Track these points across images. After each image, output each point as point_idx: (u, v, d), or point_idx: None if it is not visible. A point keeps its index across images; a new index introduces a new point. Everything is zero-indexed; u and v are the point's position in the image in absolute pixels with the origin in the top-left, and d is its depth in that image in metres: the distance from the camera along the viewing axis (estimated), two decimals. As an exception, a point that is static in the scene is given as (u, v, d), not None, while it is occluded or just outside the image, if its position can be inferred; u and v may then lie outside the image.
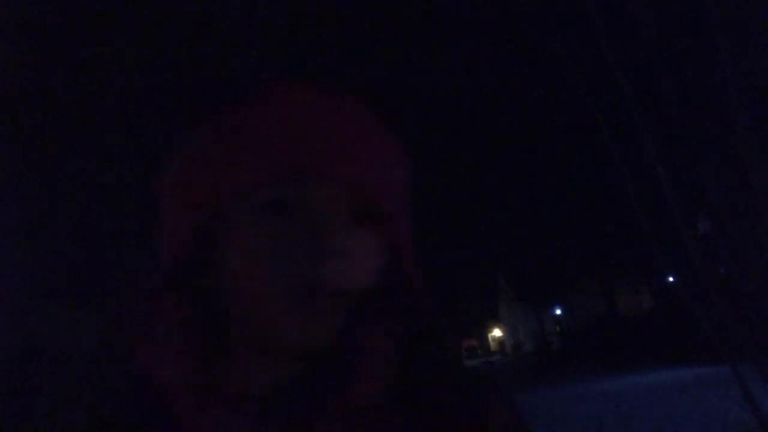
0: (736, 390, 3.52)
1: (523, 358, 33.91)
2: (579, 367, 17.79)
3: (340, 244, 0.47)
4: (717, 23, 3.17)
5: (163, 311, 0.51)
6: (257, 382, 0.50)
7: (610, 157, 4.10)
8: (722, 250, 3.31)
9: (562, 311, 31.49)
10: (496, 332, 51.95)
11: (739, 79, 3.15)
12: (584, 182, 14.79)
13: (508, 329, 46.89)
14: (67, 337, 7.87)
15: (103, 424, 0.48)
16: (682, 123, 3.39)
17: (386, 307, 0.51)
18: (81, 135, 7.40)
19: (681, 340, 14.04)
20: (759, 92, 3.15)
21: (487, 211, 18.43)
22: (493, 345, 52.77)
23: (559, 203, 17.08)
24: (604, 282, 24.43)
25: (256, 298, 0.48)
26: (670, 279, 15.81)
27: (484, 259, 25.45)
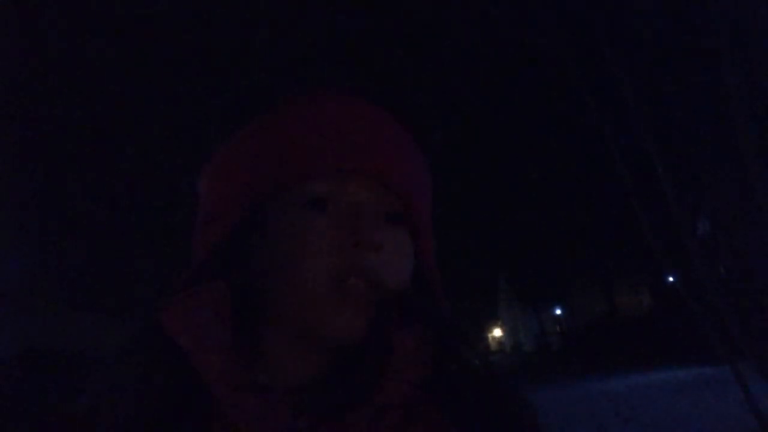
0: (736, 390, 3.52)
1: (523, 358, 33.89)
2: (579, 367, 17.78)
3: (375, 239, 0.50)
4: (718, 25, 3.17)
5: (203, 300, 0.51)
6: (290, 376, 0.52)
7: (611, 157, 4.10)
8: (722, 250, 3.31)
9: (562, 311, 31.47)
10: (497, 332, 51.92)
11: (739, 79, 3.15)
12: (585, 182, 14.78)
13: (508, 329, 46.85)
14: (90, 339, 7.89)
15: (147, 407, 0.49)
16: (682, 123, 3.39)
17: (413, 309, 0.52)
18: (88, 135, 7.41)
19: (681, 340, 14.03)
20: (759, 93, 3.15)
21: (487, 211, 18.43)
22: (493, 345, 52.75)
23: (560, 203, 17.07)
24: (604, 282, 24.41)
25: (294, 287, 0.49)
26: (670, 279, 15.80)
27: (484, 259, 25.44)
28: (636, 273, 22.46)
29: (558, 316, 32.27)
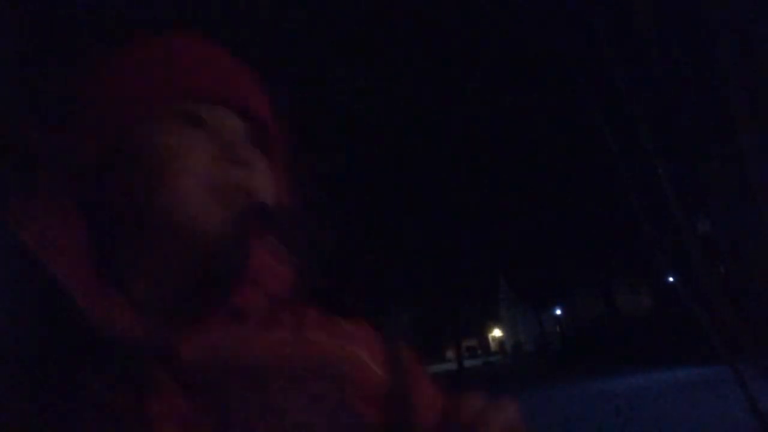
0: (736, 390, 3.52)
1: (523, 358, 33.89)
2: (579, 367, 17.78)
3: (245, 156, 0.56)
4: (717, 24, 3.17)
5: (51, 202, 0.53)
6: (160, 289, 0.54)
7: (611, 157, 4.10)
8: (722, 250, 3.31)
9: (562, 311, 31.49)
10: (496, 332, 51.95)
11: (739, 79, 3.15)
12: (584, 182, 14.79)
13: (508, 329, 46.87)
14: None
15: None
16: (682, 123, 3.39)
17: (270, 227, 0.57)
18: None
19: (681, 340, 14.03)
20: (759, 92, 3.15)
21: (487, 212, 18.43)
22: (493, 345, 52.80)
23: (560, 203, 17.08)
24: (603, 282, 24.41)
25: (170, 193, 0.53)
26: (670, 279, 15.80)
27: (484, 260, 25.45)
28: (636, 273, 22.47)
29: (558, 316, 32.28)
